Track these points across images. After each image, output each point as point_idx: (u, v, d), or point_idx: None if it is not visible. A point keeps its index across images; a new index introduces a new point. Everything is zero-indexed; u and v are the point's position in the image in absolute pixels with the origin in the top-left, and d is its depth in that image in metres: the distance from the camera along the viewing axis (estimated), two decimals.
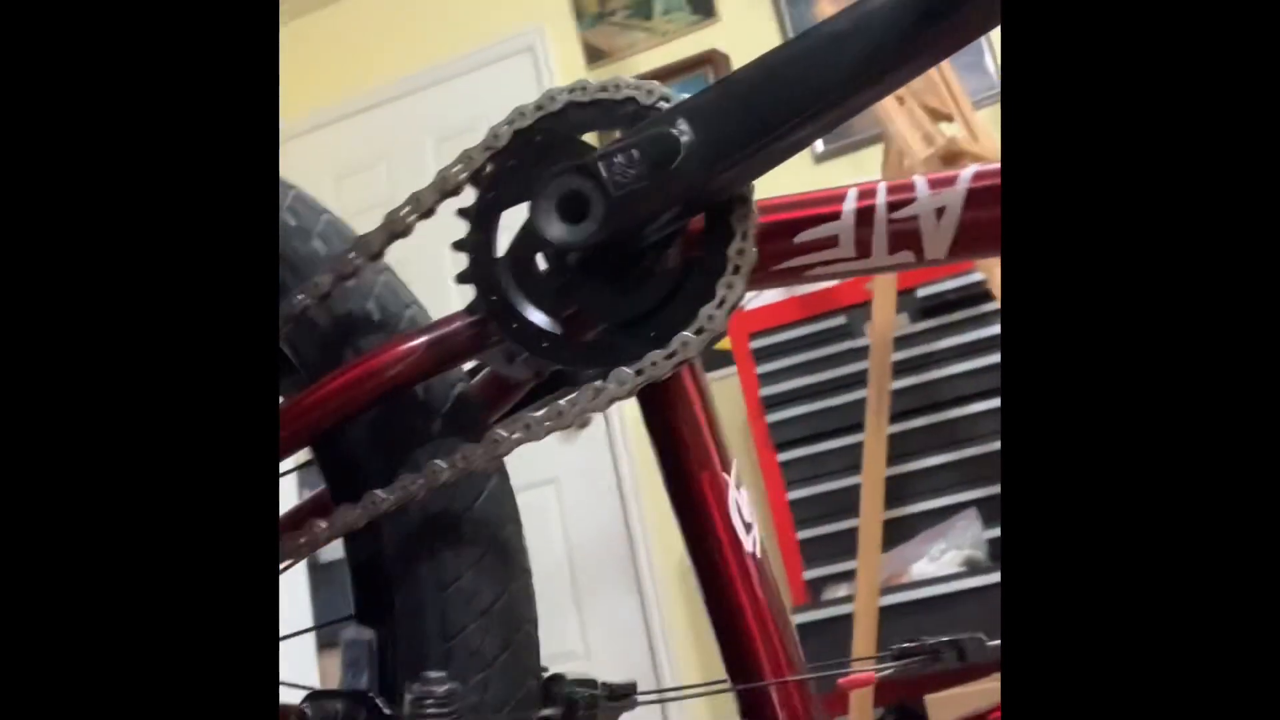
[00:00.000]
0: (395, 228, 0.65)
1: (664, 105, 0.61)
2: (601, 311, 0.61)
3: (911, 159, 1.84)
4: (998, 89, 2.95)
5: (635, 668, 3.14)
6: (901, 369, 2.38)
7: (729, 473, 0.63)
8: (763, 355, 2.60)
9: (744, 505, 0.63)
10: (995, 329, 2.43)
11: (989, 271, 2.11)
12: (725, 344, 3.00)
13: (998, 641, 0.64)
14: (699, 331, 0.59)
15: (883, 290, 2.14)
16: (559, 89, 0.64)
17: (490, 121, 0.65)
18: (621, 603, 3.24)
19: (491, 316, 0.62)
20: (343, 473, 0.66)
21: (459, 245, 0.63)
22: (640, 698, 0.68)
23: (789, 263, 0.62)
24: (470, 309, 0.63)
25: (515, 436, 0.60)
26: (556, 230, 0.59)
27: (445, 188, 0.65)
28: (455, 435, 0.64)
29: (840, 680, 0.61)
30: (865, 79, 0.57)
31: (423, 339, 0.64)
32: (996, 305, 2.44)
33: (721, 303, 0.59)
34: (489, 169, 0.64)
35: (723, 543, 0.63)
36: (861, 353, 2.50)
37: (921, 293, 2.47)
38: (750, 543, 0.64)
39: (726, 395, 3.04)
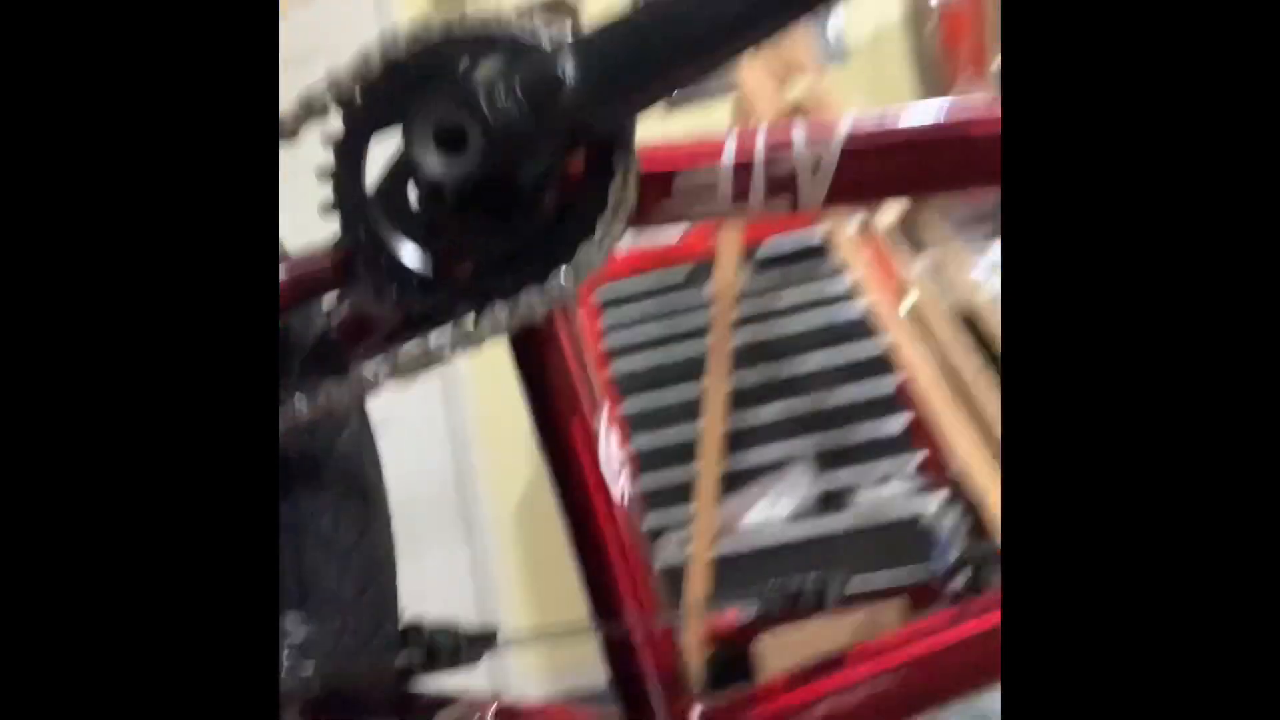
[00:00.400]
0: None
1: (546, 44, 0.60)
2: (476, 248, 0.59)
3: (761, 110, 1.86)
4: (833, 55, 3.01)
5: (465, 616, 3.13)
6: (741, 322, 2.41)
7: (598, 417, 0.63)
8: (607, 305, 2.60)
9: (613, 450, 0.63)
10: (832, 285, 2.49)
11: (835, 226, 2.15)
12: None
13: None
14: (576, 270, 0.58)
15: (727, 245, 2.16)
16: (436, 18, 0.61)
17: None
18: (453, 551, 3.22)
19: (359, 251, 0.60)
20: None
21: (324, 175, 0.61)
22: (503, 643, 0.67)
23: (667, 205, 0.61)
24: (336, 243, 0.61)
25: (381, 375, 0.59)
26: (432, 163, 0.57)
27: (309, 110, 0.62)
28: (317, 373, 0.62)
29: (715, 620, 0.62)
30: (745, 25, 0.57)
31: (284, 273, 0.61)
32: (833, 262, 2.49)
33: (600, 241, 0.58)
34: (358, 95, 0.61)
35: (591, 487, 0.63)
36: (704, 306, 2.53)
37: (761, 250, 2.50)
38: (618, 487, 0.64)
39: None
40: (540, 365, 0.63)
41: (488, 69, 0.58)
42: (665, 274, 2.59)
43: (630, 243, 2.74)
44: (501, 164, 0.57)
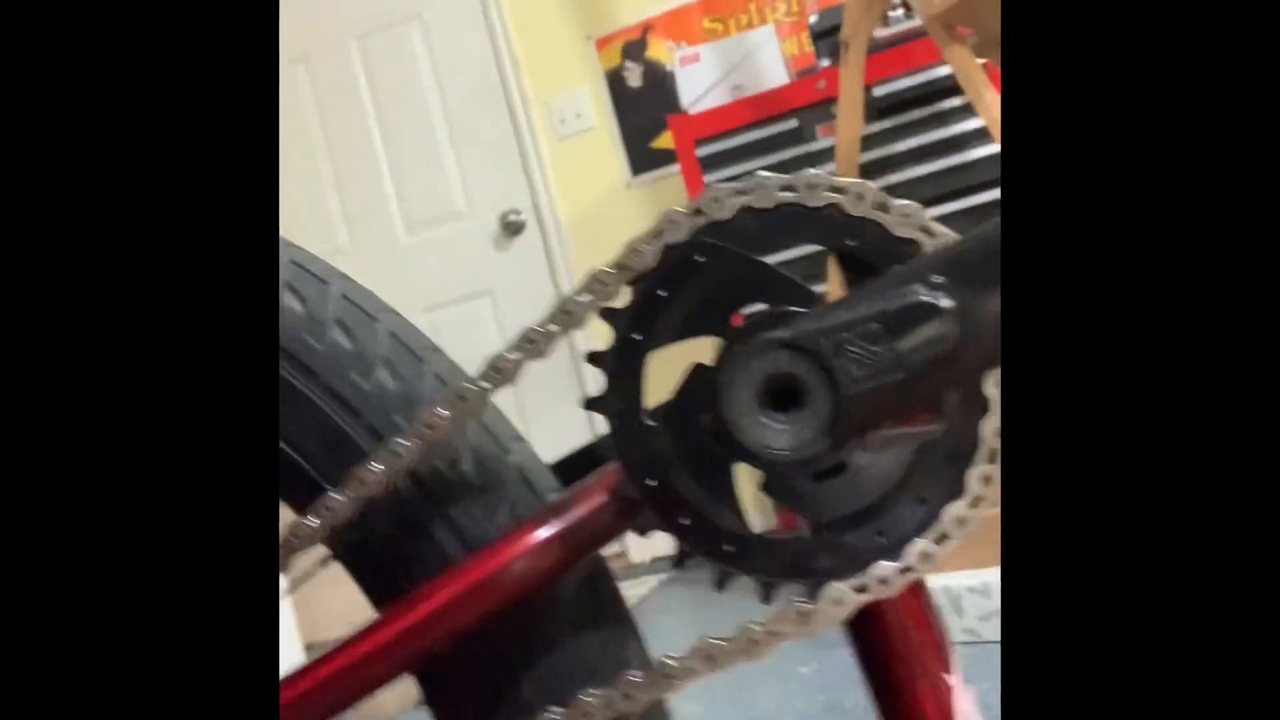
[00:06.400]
0: (503, 374, 0.49)
1: (873, 216, 0.45)
2: (805, 505, 0.46)
3: None
4: None
5: None
6: (860, 172, 2.23)
7: (951, 673, 0.51)
8: (711, 163, 2.41)
9: (969, 707, 0.51)
10: (954, 128, 2.29)
11: (958, 64, 1.93)
12: (668, 142, 2.79)
13: None
14: (943, 539, 0.45)
15: (849, 87, 1.95)
16: (723, 186, 0.46)
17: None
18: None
19: (650, 504, 0.47)
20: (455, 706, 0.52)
21: (593, 404, 0.47)
22: None
23: None
24: (616, 486, 0.48)
25: (694, 669, 0.47)
26: (756, 432, 0.43)
27: (566, 322, 0.48)
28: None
29: None
30: None
31: (555, 526, 0.49)
32: (956, 102, 2.28)
33: (976, 501, 0.45)
34: (631, 298, 0.47)
35: None
36: (815, 157, 2.34)
37: (878, 91, 2.29)
38: None
39: (668, 198, 2.86)
40: (879, 635, 0.50)
41: (845, 315, 0.43)
42: (774, 124, 2.38)
43: (731, 94, 2.52)
44: (854, 434, 0.43)
